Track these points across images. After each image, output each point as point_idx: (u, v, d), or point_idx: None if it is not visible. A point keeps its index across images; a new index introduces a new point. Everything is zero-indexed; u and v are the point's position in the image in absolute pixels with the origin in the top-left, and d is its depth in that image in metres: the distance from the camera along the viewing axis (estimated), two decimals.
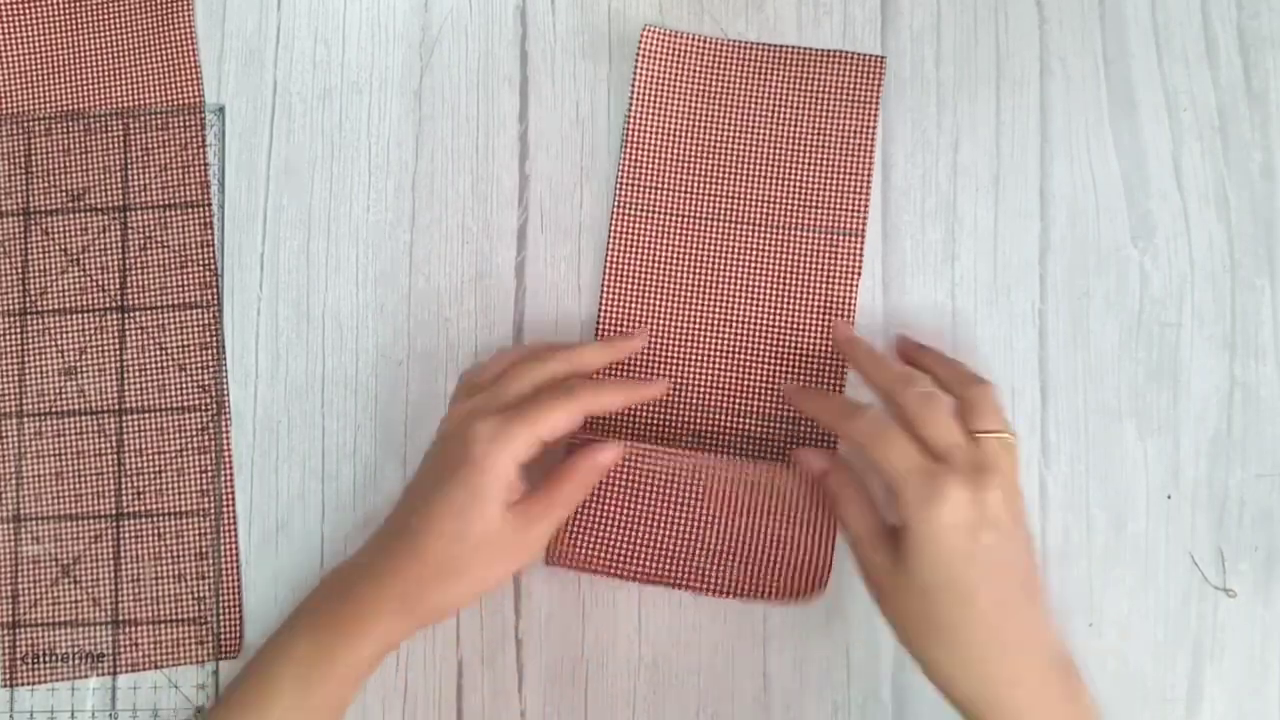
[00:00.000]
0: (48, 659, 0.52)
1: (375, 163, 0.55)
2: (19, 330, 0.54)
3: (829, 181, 0.53)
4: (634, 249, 0.53)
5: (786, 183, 0.53)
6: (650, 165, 0.53)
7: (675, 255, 0.53)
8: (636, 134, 0.53)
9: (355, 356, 0.54)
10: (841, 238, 0.53)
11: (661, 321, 0.53)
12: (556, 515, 0.46)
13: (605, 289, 0.53)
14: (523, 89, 0.55)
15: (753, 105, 0.53)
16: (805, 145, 0.53)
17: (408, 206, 0.55)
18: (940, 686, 0.43)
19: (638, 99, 0.54)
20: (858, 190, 0.53)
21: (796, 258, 0.53)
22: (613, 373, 0.52)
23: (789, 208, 0.53)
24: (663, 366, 0.52)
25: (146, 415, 0.53)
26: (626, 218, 0.53)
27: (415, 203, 0.55)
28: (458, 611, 0.50)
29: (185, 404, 0.53)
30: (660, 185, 0.53)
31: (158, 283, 0.54)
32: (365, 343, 0.54)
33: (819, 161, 0.53)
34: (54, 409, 0.53)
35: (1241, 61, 0.53)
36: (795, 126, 0.53)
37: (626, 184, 0.53)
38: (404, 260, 0.54)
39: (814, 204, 0.53)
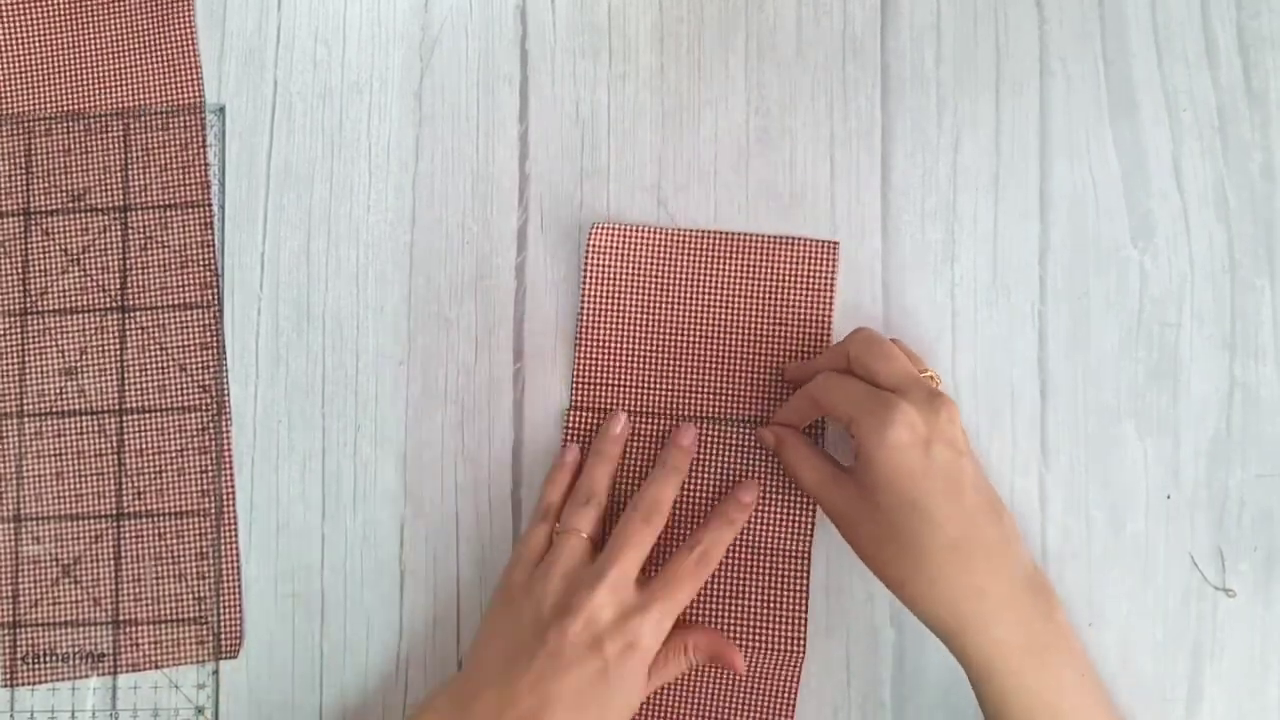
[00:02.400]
0: (48, 659, 0.52)
1: (375, 163, 0.55)
2: (19, 330, 0.54)
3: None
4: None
5: (742, 375, 0.52)
6: (603, 362, 0.52)
7: (631, 452, 0.52)
8: (588, 330, 0.52)
9: (355, 356, 0.54)
10: (804, 431, 0.51)
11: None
12: (661, 681, 0.48)
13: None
14: (523, 89, 0.55)
15: (706, 296, 0.52)
16: (760, 335, 0.52)
17: (408, 206, 0.55)
18: (912, 608, 0.44)
19: (588, 296, 0.53)
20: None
21: (753, 452, 0.52)
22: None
23: (746, 400, 0.52)
24: None
25: (147, 415, 0.53)
26: (581, 415, 0.52)
27: (415, 203, 0.55)
28: None
29: (185, 404, 0.53)
30: (614, 382, 0.52)
31: (158, 283, 0.54)
32: (365, 343, 0.54)
33: (775, 352, 0.52)
34: (54, 409, 0.53)
35: (1241, 61, 0.53)
36: (750, 316, 0.52)
37: (581, 383, 0.52)
38: (404, 260, 0.54)
39: (772, 396, 0.52)
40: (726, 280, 0.53)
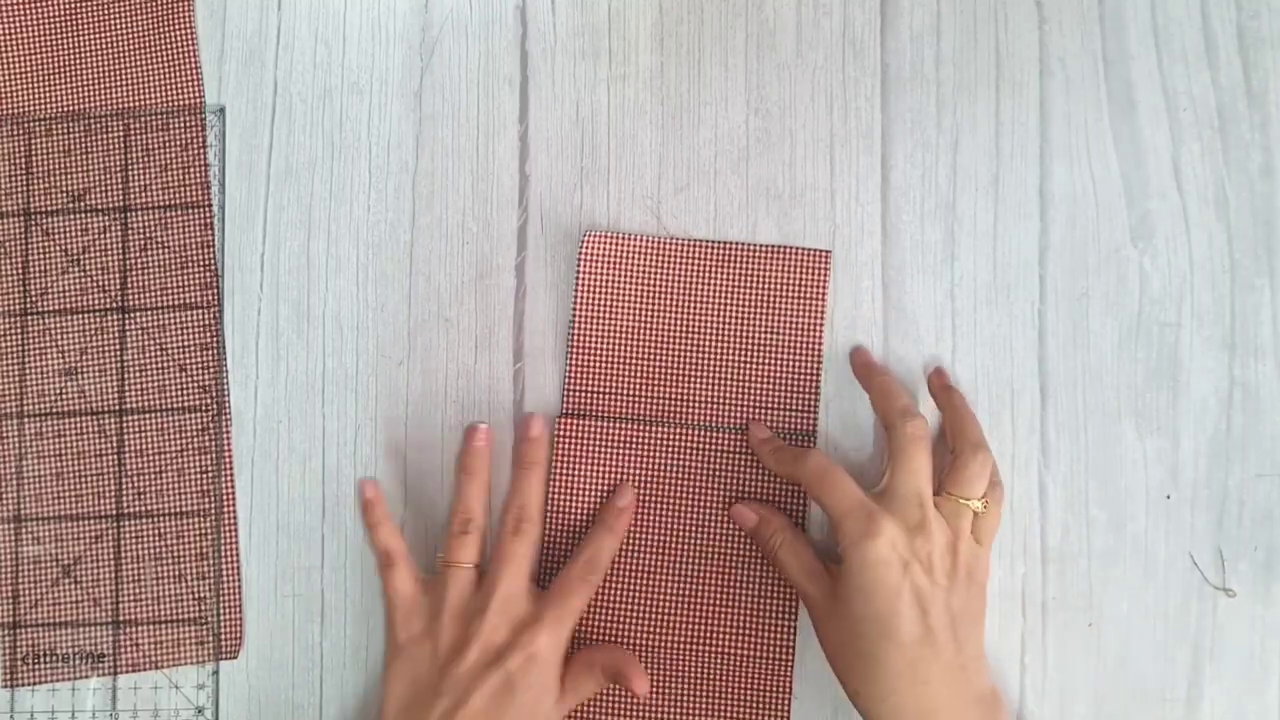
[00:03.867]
0: (48, 659, 0.52)
1: (375, 163, 0.55)
2: (19, 330, 0.54)
3: (778, 382, 0.52)
4: (581, 455, 0.52)
5: (734, 384, 0.52)
6: (595, 370, 0.52)
7: (623, 462, 0.52)
8: (581, 339, 0.52)
9: (355, 356, 0.54)
10: (792, 440, 0.52)
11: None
12: (576, 700, 0.49)
13: (552, 491, 0.52)
14: (523, 89, 0.55)
15: (698, 305, 0.52)
16: (752, 345, 0.52)
17: (408, 206, 0.55)
18: (864, 715, 0.45)
19: (581, 304, 0.52)
20: (808, 390, 0.52)
21: (746, 462, 0.52)
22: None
23: (738, 410, 0.52)
24: (615, 577, 0.51)
25: (147, 415, 0.53)
26: (572, 422, 0.52)
27: (415, 203, 0.55)
28: None
29: (185, 404, 0.53)
30: (605, 390, 0.52)
31: (158, 283, 0.54)
32: (365, 343, 0.54)
33: (767, 361, 0.52)
34: (54, 409, 0.53)
35: (1241, 61, 0.53)
36: (741, 326, 0.52)
37: (572, 391, 0.52)
38: (404, 260, 0.54)
39: (763, 406, 0.52)
40: (718, 289, 0.53)
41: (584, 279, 0.53)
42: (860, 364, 0.52)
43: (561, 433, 0.52)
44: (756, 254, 0.53)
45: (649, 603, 0.51)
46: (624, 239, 0.53)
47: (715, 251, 0.53)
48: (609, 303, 0.53)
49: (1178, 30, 0.54)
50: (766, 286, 0.52)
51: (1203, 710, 0.50)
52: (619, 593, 0.51)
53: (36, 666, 0.52)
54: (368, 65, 0.56)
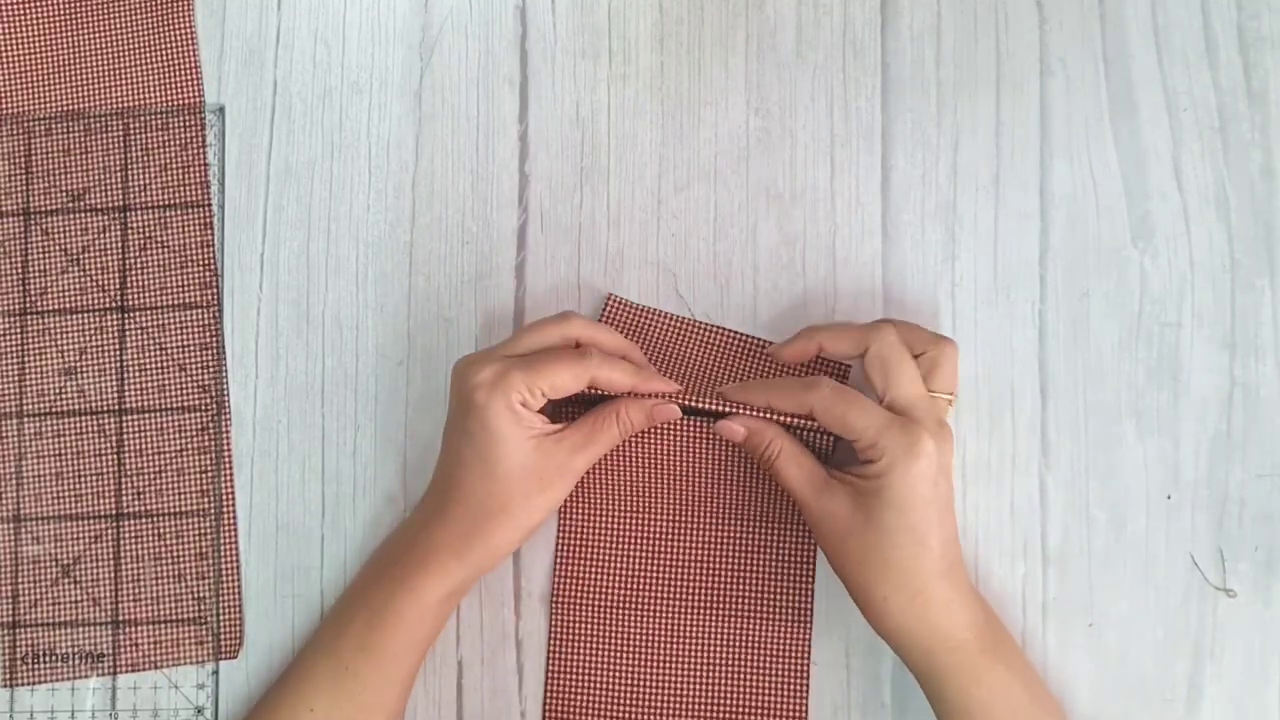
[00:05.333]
0: (48, 659, 0.52)
1: (375, 163, 0.55)
2: (19, 330, 0.54)
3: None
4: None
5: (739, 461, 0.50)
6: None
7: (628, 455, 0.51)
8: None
9: (355, 356, 0.54)
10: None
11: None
12: (595, 449, 0.48)
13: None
14: (523, 89, 0.55)
15: (710, 388, 0.51)
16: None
17: (408, 206, 0.55)
18: (883, 621, 0.46)
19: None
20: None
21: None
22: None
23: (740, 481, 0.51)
24: (625, 588, 0.51)
25: (146, 415, 0.53)
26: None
27: (415, 203, 0.55)
28: (512, 550, 0.49)
29: (185, 404, 0.53)
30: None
31: (158, 283, 0.54)
32: (365, 343, 0.54)
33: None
34: (54, 409, 0.53)
35: (1241, 61, 0.53)
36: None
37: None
38: (404, 260, 0.54)
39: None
40: (730, 376, 0.52)
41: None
42: (803, 335, 0.50)
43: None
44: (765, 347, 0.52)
45: (661, 602, 0.51)
46: (645, 312, 0.53)
47: (735, 342, 0.52)
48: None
49: (1178, 30, 0.54)
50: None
51: (1203, 710, 0.50)
52: (628, 598, 0.51)
53: (36, 666, 0.52)
54: (368, 65, 0.56)
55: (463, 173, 0.55)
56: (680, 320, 0.53)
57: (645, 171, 0.54)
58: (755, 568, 0.51)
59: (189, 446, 0.53)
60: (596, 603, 0.51)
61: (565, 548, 0.52)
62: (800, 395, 0.47)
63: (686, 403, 0.48)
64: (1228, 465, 0.51)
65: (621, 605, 0.51)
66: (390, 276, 0.54)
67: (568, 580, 0.52)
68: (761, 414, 0.47)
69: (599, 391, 0.47)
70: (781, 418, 0.47)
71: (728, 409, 0.48)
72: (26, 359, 0.54)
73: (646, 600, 0.51)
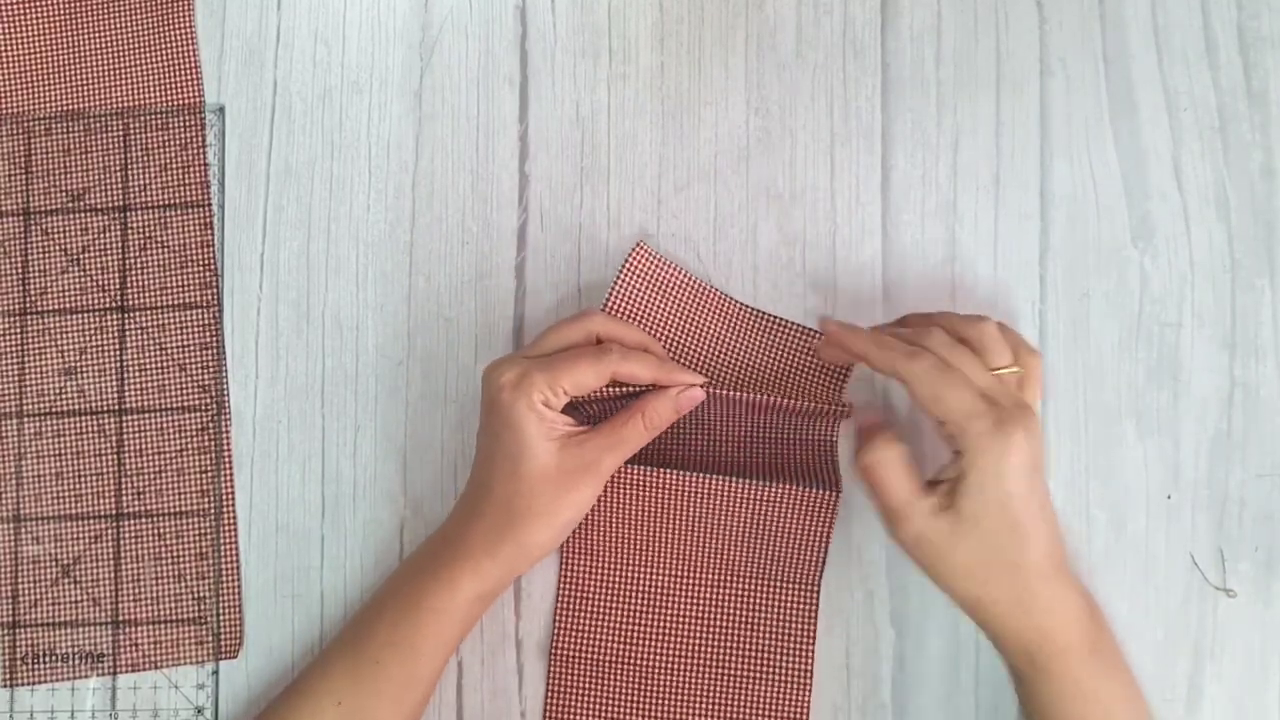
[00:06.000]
0: (48, 659, 0.52)
1: (375, 163, 0.55)
2: (19, 330, 0.54)
3: (801, 444, 0.50)
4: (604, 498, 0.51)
5: (751, 426, 0.51)
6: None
7: (641, 504, 0.51)
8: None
9: (355, 356, 0.54)
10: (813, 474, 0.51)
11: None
12: (623, 448, 0.48)
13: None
14: (523, 89, 0.55)
15: (720, 357, 0.52)
16: (770, 407, 0.49)
17: (408, 206, 0.55)
18: (995, 625, 0.44)
19: (611, 309, 0.51)
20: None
21: (765, 511, 0.51)
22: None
23: (760, 455, 0.51)
24: (634, 608, 0.51)
25: (146, 415, 0.53)
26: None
27: (415, 203, 0.55)
28: (544, 551, 0.48)
29: (185, 404, 0.53)
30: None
31: (158, 283, 0.54)
32: (365, 343, 0.54)
33: (782, 430, 0.50)
34: (54, 409, 0.53)
35: (1241, 61, 0.53)
36: (760, 389, 0.51)
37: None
38: (404, 260, 0.54)
39: (780, 471, 0.51)
40: (744, 350, 0.52)
41: (621, 285, 0.51)
42: (834, 331, 0.49)
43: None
44: (792, 331, 0.52)
45: (666, 625, 0.51)
46: (670, 268, 0.52)
47: (751, 318, 0.52)
48: (638, 319, 0.52)
49: (1178, 30, 0.54)
50: (795, 365, 0.52)
51: (1203, 710, 0.50)
52: (638, 622, 0.51)
53: (36, 666, 0.52)
54: (368, 65, 0.55)
55: (463, 173, 0.55)
56: (701, 287, 0.52)
57: (645, 171, 0.54)
58: (755, 627, 0.51)
59: (189, 446, 0.53)
60: (596, 654, 0.51)
61: (566, 598, 0.52)
62: (898, 360, 0.45)
63: (710, 391, 0.48)
64: (1228, 465, 0.51)
65: (622, 658, 0.51)
66: (390, 276, 0.54)
67: (568, 630, 0.51)
68: (764, 405, 0.48)
69: (627, 388, 0.48)
70: (784, 400, 0.48)
71: (748, 397, 0.48)
72: (26, 359, 0.54)
73: (646, 654, 0.51)
